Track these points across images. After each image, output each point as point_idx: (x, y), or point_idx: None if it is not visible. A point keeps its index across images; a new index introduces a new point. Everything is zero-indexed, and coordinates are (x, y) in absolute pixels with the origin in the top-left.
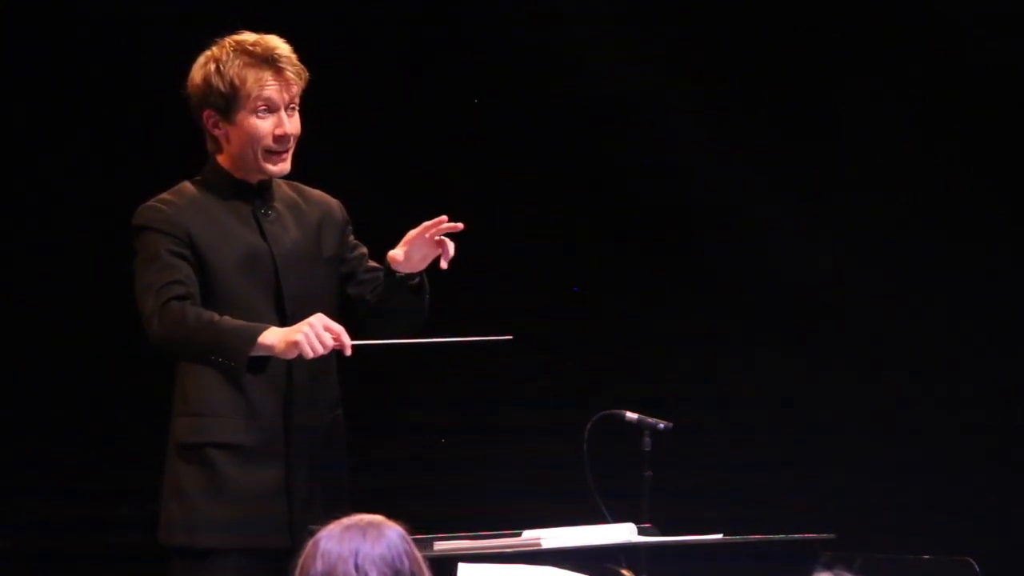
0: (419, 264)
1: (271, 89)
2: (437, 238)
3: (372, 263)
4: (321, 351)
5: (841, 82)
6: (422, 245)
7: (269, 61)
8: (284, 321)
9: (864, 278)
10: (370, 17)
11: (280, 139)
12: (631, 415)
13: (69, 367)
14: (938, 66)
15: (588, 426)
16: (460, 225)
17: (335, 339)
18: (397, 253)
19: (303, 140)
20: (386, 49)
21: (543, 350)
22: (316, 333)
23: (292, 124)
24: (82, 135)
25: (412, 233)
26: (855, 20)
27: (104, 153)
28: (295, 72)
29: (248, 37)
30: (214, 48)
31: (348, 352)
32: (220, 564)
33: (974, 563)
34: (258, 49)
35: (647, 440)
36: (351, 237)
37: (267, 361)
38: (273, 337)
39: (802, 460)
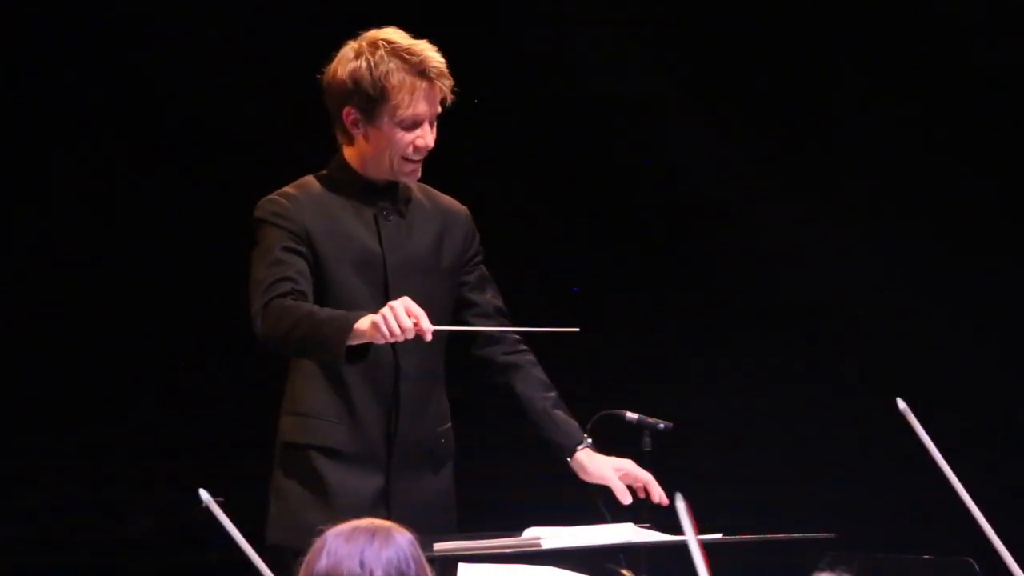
0: (593, 476)
1: (421, 103)
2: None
3: (497, 306)
4: (398, 333)
5: (841, 82)
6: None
7: (423, 73)
8: None
9: (864, 278)
10: (369, 17)
11: (419, 150)
12: (631, 415)
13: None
14: (938, 66)
15: (588, 426)
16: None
17: (415, 323)
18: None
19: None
20: None
21: (543, 350)
22: (395, 315)
23: (431, 136)
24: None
25: (620, 482)
26: (855, 19)
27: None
28: (446, 86)
29: (401, 41)
30: (363, 43)
31: (428, 337)
32: None
33: (974, 563)
34: (414, 58)
35: (647, 440)
36: (480, 261)
37: (367, 352)
38: (366, 322)
39: (802, 460)
